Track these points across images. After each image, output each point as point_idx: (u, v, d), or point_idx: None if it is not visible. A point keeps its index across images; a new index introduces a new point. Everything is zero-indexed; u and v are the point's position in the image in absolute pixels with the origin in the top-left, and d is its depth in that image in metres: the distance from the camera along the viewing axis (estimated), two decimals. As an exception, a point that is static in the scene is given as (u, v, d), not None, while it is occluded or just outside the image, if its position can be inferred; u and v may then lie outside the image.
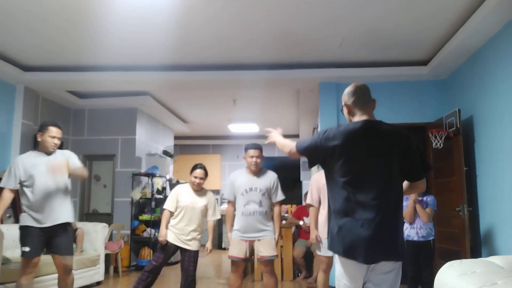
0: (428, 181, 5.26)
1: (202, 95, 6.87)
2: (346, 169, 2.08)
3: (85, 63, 5.26)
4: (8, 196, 3.52)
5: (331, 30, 4.30)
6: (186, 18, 4.03)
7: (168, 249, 3.96)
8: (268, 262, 3.73)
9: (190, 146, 11.11)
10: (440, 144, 4.80)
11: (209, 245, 4.02)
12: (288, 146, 2.40)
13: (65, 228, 3.63)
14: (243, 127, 8.79)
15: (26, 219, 3.50)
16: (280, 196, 3.84)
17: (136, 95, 6.75)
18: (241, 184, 3.79)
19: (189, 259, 3.96)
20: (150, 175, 7.20)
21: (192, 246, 3.98)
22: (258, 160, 3.79)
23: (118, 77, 5.49)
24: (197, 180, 3.99)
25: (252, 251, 3.87)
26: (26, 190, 3.53)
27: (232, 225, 3.88)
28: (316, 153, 2.20)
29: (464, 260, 2.59)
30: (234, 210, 3.87)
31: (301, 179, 10.53)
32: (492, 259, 2.58)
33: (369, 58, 5.07)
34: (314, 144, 2.19)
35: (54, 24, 4.15)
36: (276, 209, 3.84)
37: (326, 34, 4.40)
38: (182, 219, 3.98)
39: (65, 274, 3.59)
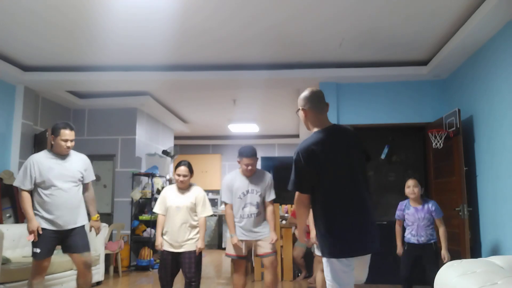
0: (428, 181, 5.32)
1: (202, 95, 6.87)
2: (330, 172, 2.32)
3: (85, 63, 5.26)
4: (28, 196, 3.48)
5: (331, 30, 4.30)
6: (186, 18, 4.03)
7: (166, 259, 3.78)
8: (269, 259, 3.73)
9: (190, 146, 11.09)
10: (440, 144, 4.80)
11: (199, 243, 3.77)
12: (297, 208, 2.58)
13: (79, 228, 3.65)
14: (243, 127, 8.80)
15: (38, 220, 3.46)
16: (272, 195, 3.83)
17: (136, 95, 6.75)
18: (238, 187, 3.76)
19: (189, 260, 3.74)
20: (150, 175, 7.20)
21: (189, 247, 3.76)
22: (253, 167, 3.74)
23: (118, 77, 5.48)
24: (180, 178, 3.83)
25: (250, 251, 3.87)
26: (40, 191, 3.49)
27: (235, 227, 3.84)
28: (309, 178, 2.37)
29: (464, 260, 2.59)
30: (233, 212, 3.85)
31: (301, 179, 10.52)
32: (492, 259, 2.58)
33: (369, 58, 5.06)
34: (301, 173, 2.37)
35: (54, 24, 4.15)
36: (270, 208, 3.80)
37: (326, 34, 4.40)
38: (169, 221, 3.80)
39: (85, 270, 3.60)
